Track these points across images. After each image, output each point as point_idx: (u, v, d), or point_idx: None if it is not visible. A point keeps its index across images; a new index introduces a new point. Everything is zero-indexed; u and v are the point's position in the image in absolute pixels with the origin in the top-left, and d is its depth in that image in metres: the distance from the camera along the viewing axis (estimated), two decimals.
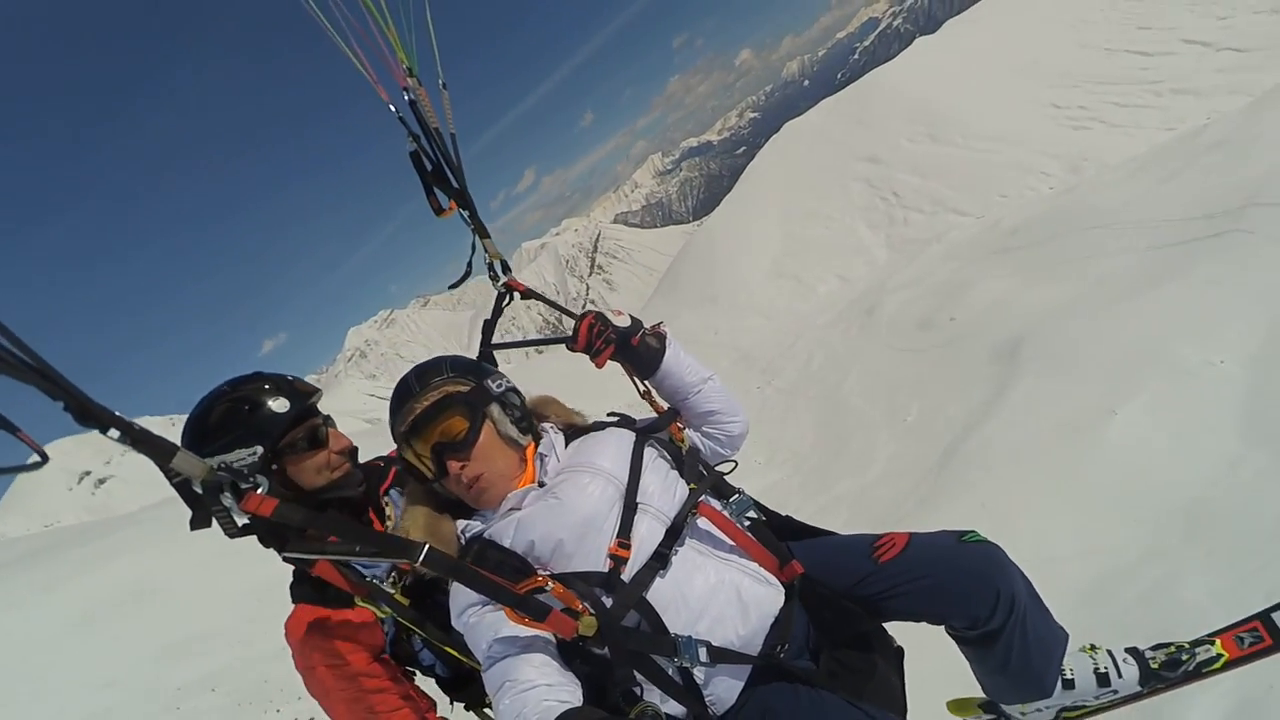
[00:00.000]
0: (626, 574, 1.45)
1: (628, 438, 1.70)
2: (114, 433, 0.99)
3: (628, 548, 1.46)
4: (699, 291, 18.94)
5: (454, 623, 1.50)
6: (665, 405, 1.91)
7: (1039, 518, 4.11)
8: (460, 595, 1.49)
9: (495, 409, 1.64)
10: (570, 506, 1.50)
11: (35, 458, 0.87)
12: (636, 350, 1.82)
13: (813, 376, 10.26)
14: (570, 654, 1.43)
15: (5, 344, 0.83)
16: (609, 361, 1.88)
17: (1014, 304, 7.55)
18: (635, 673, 1.41)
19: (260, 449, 1.64)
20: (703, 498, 1.62)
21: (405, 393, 1.61)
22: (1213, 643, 1.82)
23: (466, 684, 1.87)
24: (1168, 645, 1.82)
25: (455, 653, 1.68)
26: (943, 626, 1.66)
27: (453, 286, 2.52)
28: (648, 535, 1.50)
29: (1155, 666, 1.78)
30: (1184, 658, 1.78)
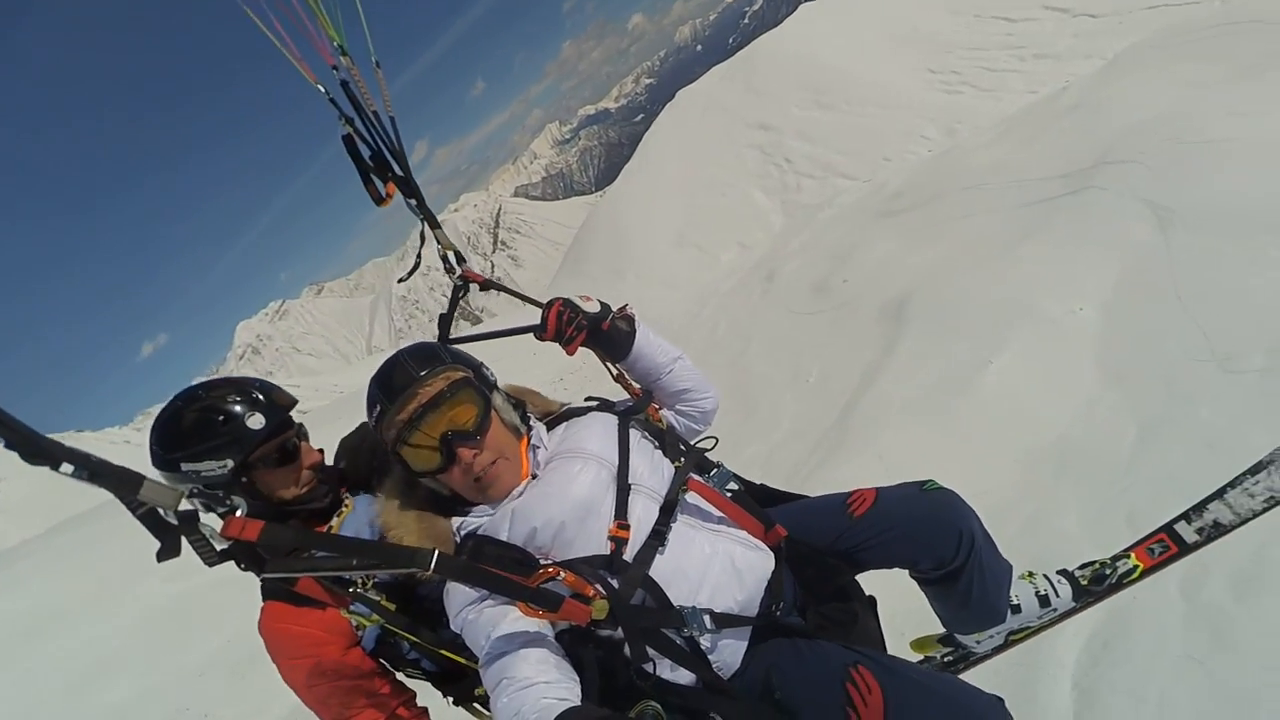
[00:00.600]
0: (628, 554, 1.48)
1: (612, 421, 1.72)
2: (67, 468, 0.91)
3: (627, 528, 1.50)
4: (605, 265, 18.87)
5: (451, 622, 1.49)
6: (639, 388, 1.93)
7: (930, 465, 4.37)
8: (456, 594, 1.48)
9: (498, 397, 1.64)
10: (566, 492, 1.52)
11: None
12: (608, 335, 1.84)
13: (719, 344, 10.47)
14: (579, 640, 1.46)
15: None
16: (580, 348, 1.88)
17: (899, 264, 7.95)
18: (648, 648, 1.44)
19: (230, 462, 1.60)
20: (689, 473, 1.68)
21: (405, 378, 1.53)
22: (1128, 556, 2.06)
23: (456, 679, 1.85)
24: (1092, 563, 2.06)
25: (446, 652, 1.68)
26: (909, 571, 1.79)
27: (402, 280, 2.53)
28: (644, 514, 1.54)
29: (1085, 583, 1.99)
30: (1107, 572, 2.01)
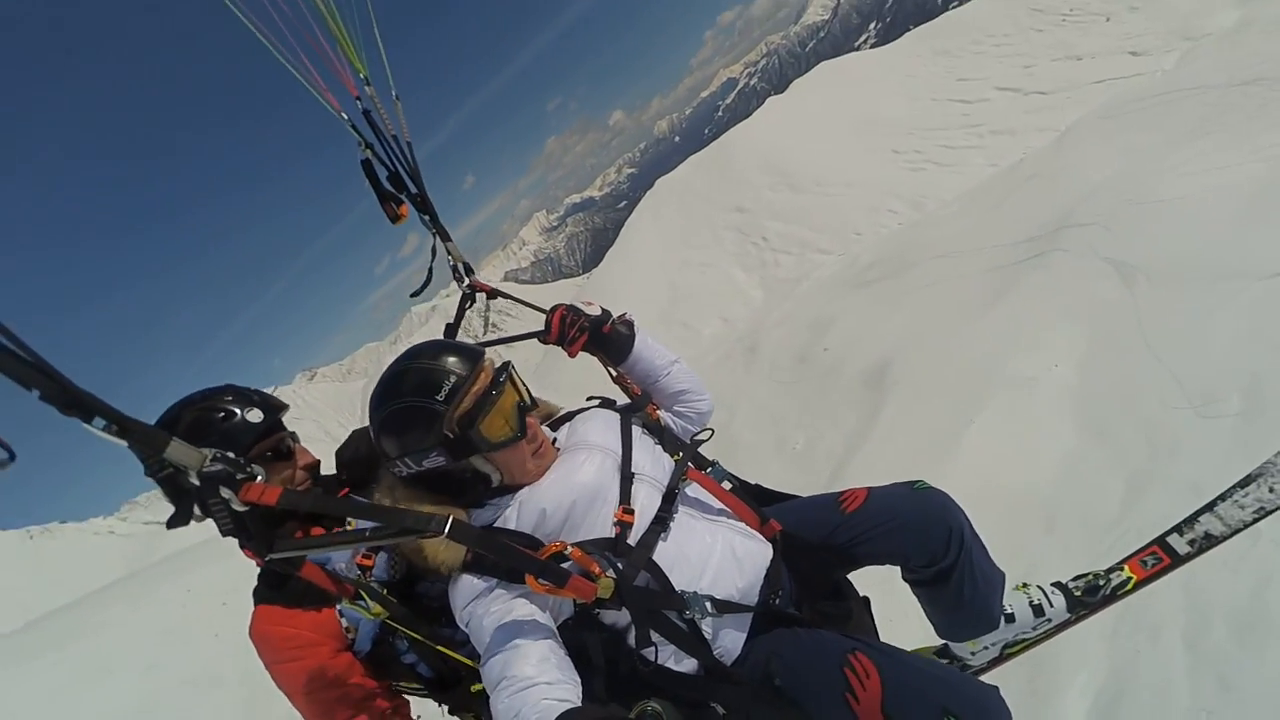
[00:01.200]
0: (633, 538, 1.51)
1: (614, 416, 1.77)
2: (99, 422, 0.91)
3: (632, 513, 1.53)
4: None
5: (456, 616, 1.49)
6: (638, 389, 1.99)
7: None
8: (463, 587, 1.48)
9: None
10: (574, 479, 1.55)
11: (4, 456, 0.78)
12: (609, 338, 1.91)
13: None
14: (584, 625, 1.48)
15: None
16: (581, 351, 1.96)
17: (877, 332, 8.07)
18: (651, 632, 1.46)
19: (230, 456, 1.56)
20: (689, 465, 1.73)
21: (471, 354, 1.54)
22: (1122, 568, 2.06)
23: (451, 685, 1.82)
24: (1086, 575, 2.05)
25: (445, 649, 1.69)
26: (901, 572, 1.80)
27: (414, 295, 2.53)
28: (647, 501, 1.57)
29: (1079, 594, 1.99)
30: (1101, 583, 2.01)
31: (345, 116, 2.10)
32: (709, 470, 1.81)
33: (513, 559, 1.32)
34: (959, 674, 1.49)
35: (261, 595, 1.79)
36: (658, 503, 1.59)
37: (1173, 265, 5.27)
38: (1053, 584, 2.03)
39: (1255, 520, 2.02)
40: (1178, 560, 2.04)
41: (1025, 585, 2.02)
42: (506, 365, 1.59)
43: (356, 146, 2.14)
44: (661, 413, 1.94)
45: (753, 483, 2.00)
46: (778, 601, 1.61)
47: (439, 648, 1.70)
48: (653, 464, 1.67)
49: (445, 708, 1.89)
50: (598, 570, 1.40)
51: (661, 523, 1.56)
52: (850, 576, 1.86)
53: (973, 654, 1.94)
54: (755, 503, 1.77)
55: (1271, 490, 2.04)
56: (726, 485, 1.81)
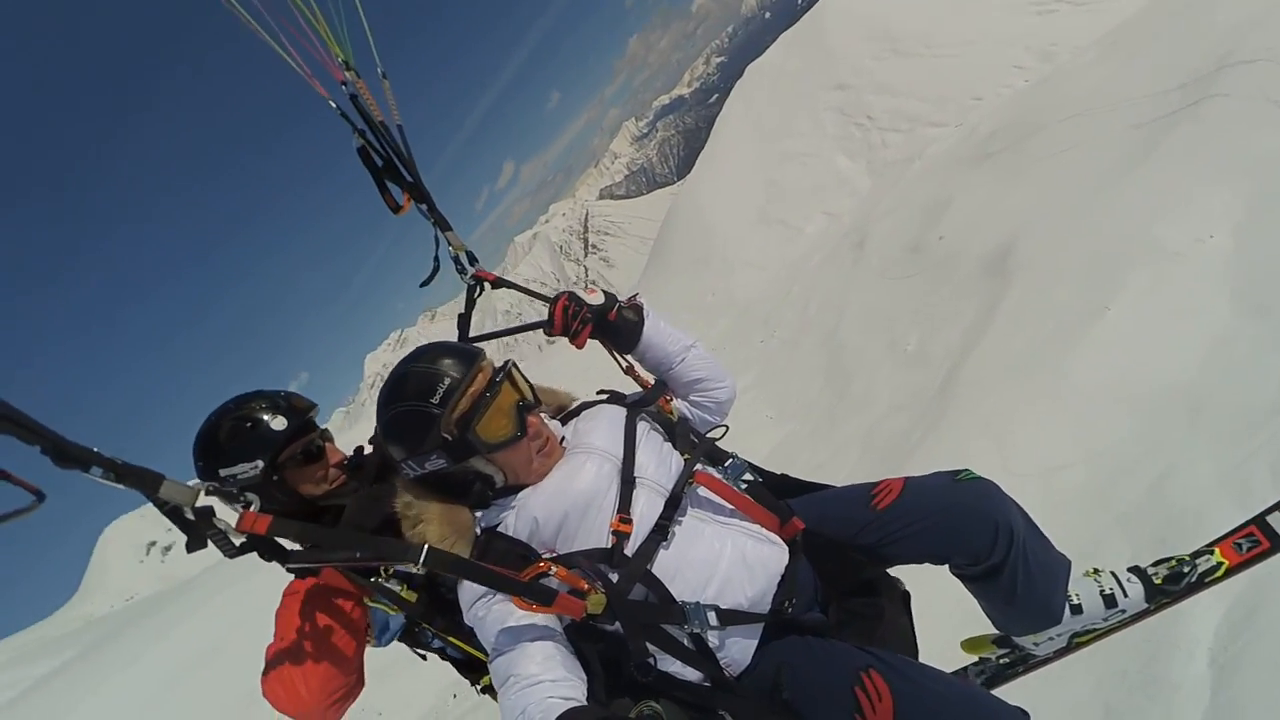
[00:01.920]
0: (629, 548, 1.46)
1: (619, 414, 1.70)
2: (96, 471, 0.99)
3: (629, 522, 1.47)
4: (688, 255, 18.76)
5: (464, 617, 1.49)
6: (650, 379, 1.90)
7: (1040, 429, 4.08)
8: (467, 589, 1.48)
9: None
10: (568, 486, 1.51)
11: (33, 499, 0.86)
12: (614, 325, 1.81)
13: (811, 323, 10.18)
14: (583, 634, 1.44)
15: None
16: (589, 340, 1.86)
17: (998, 212, 7.40)
18: (649, 644, 1.42)
19: (261, 463, 1.72)
20: (699, 466, 1.63)
21: (463, 357, 1.52)
22: (1212, 552, 1.84)
23: (481, 667, 1.85)
24: (1169, 560, 1.85)
25: (458, 642, 1.73)
26: (949, 567, 1.67)
27: (423, 284, 2.51)
28: (647, 509, 1.50)
29: (1159, 582, 1.80)
30: (1186, 570, 1.81)
31: (334, 104, 2.01)
32: (726, 465, 1.73)
33: (493, 583, 1.31)
34: (984, 698, 1.39)
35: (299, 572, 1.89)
36: (659, 509, 1.51)
37: None
38: (1129, 569, 1.84)
39: None
40: (1278, 544, 1.81)
41: (1097, 572, 1.84)
42: (506, 365, 1.55)
43: (351, 135, 2.06)
44: (678, 403, 1.86)
45: (778, 473, 1.89)
46: (791, 609, 1.51)
47: (452, 639, 1.75)
48: (658, 466, 1.59)
49: (477, 688, 1.96)
50: (586, 586, 1.36)
51: (662, 530, 1.49)
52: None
53: (1036, 645, 1.81)
54: (777, 498, 1.68)
55: None
56: (748, 478, 1.73)
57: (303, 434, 1.82)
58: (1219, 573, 1.81)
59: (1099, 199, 5.82)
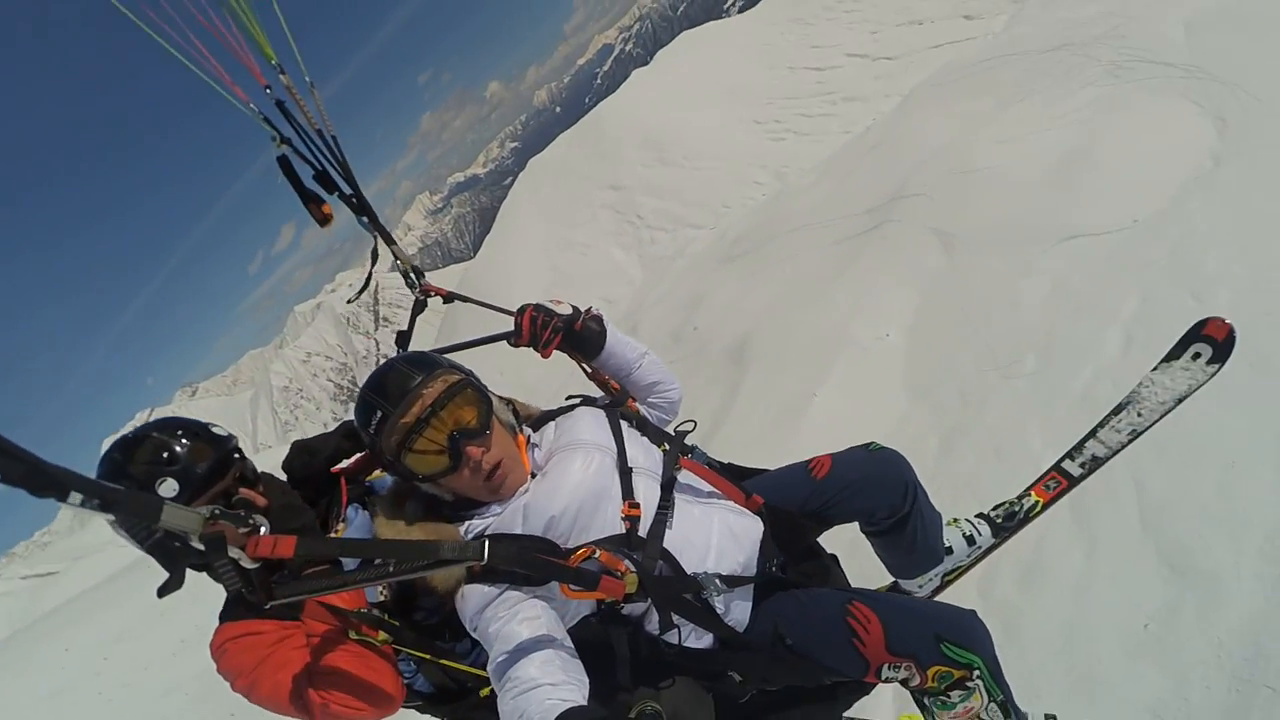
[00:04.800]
0: (643, 530, 1.56)
1: (600, 413, 1.79)
2: (76, 498, 0.80)
3: (638, 507, 1.57)
4: (477, 331, 18.49)
5: (467, 625, 1.51)
6: (616, 384, 2.00)
7: None
8: (473, 596, 1.49)
9: (493, 398, 1.65)
10: (578, 481, 1.56)
11: None
12: (581, 335, 1.90)
13: None
14: (613, 620, 1.55)
15: None
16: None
17: (740, 307, 8.28)
18: (674, 615, 1.54)
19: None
20: (679, 453, 1.79)
21: (404, 382, 1.52)
22: (1030, 494, 2.33)
23: (452, 698, 1.81)
24: (1002, 504, 2.31)
25: (451, 664, 1.68)
26: (860, 526, 1.96)
27: (350, 301, 2.66)
28: (648, 493, 1.62)
29: (1000, 520, 2.24)
30: (1016, 509, 2.27)
31: (254, 107, 1.90)
32: (691, 456, 1.87)
33: (549, 572, 1.38)
34: (943, 605, 1.66)
35: (226, 614, 1.69)
36: (658, 493, 1.64)
37: (987, 232, 5.68)
38: (976, 515, 2.27)
39: (1130, 440, 2.27)
40: (1073, 481, 2.31)
41: (955, 520, 2.22)
42: (452, 389, 1.53)
43: (271, 143, 1.96)
44: (639, 406, 1.98)
45: (726, 462, 2.09)
46: (774, 569, 1.71)
47: (444, 661, 1.69)
48: (645, 456, 1.71)
49: None
50: (623, 568, 1.47)
51: (664, 512, 1.61)
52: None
53: (920, 587, 2.14)
54: (736, 480, 1.85)
55: (1139, 414, 2.28)
56: (709, 464, 1.91)
57: (230, 464, 1.68)
58: (1038, 508, 2.29)
59: (813, 300, 6.77)
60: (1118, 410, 2.35)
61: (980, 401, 4.17)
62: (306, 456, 1.94)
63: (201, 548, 1.02)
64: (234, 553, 1.06)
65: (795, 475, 1.92)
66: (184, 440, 1.64)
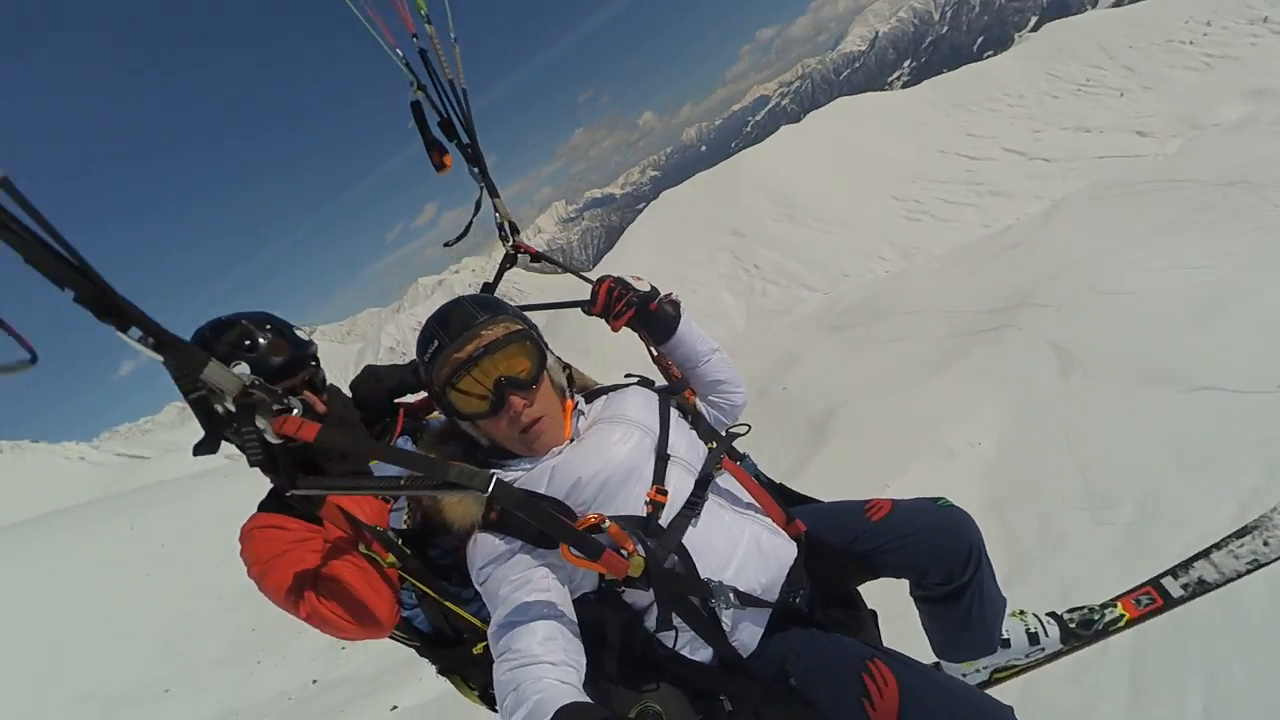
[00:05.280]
0: (664, 519, 1.49)
1: (653, 395, 1.74)
2: (135, 332, 0.85)
3: (665, 494, 1.50)
4: (573, 344, 19.06)
5: (473, 574, 1.48)
6: (678, 372, 1.92)
7: None
8: (484, 546, 1.47)
9: (550, 357, 1.64)
10: (611, 452, 1.52)
11: (25, 356, 0.74)
12: (654, 315, 1.85)
13: None
14: (610, 601, 1.47)
15: (11, 210, 0.70)
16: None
17: (834, 378, 8.17)
18: (673, 615, 1.44)
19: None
20: (723, 454, 1.69)
21: (466, 319, 1.52)
22: (1116, 605, 2.09)
23: (448, 644, 1.79)
24: (1081, 608, 2.08)
25: (453, 606, 1.67)
26: (910, 588, 1.78)
27: (449, 244, 2.45)
28: (680, 484, 1.54)
29: (1073, 626, 2.01)
30: (1095, 618, 2.04)
31: (400, 53, 1.98)
32: (743, 463, 1.79)
33: (552, 526, 1.30)
34: (976, 690, 1.49)
35: (263, 505, 1.74)
36: (690, 487, 1.57)
37: (1109, 360, 5.36)
38: (1048, 614, 2.06)
39: (1249, 571, 2.05)
40: (1170, 603, 2.08)
41: (1022, 612, 2.03)
42: (511, 335, 1.53)
43: (408, 87, 2.02)
44: (697, 401, 1.90)
45: (778, 482, 1.99)
46: (798, 601, 1.58)
47: (447, 603, 1.68)
48: (688, 448, 1.65)
49: (435, 667, 1.87)
50: (631, 548, 1.38)
51: (692, 507, 1.53)
52: (861, 590, 1.85)
53: (964, 675, 1.93)
54: (782, 501, 1.76)
55: (1266, 544, 2.06)
56: (756, 478, 1.80)
57: (289, 376, 1.72)
58: (1121, 623, 2.05)
59: (910, 389, 6.60)
60: (1242, 533, 2.10)
61: (1060, 537, 3.94)
62: (373, 382, 2.02)
63: (233, 410, 1.03)
64: (261, 423, 1.08)
65: (848, 511, 1.80)
66: (268, 333, 1.71)
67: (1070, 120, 16.79)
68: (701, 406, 1.90)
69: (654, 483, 1.53)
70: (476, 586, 1.49)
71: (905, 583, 1.80)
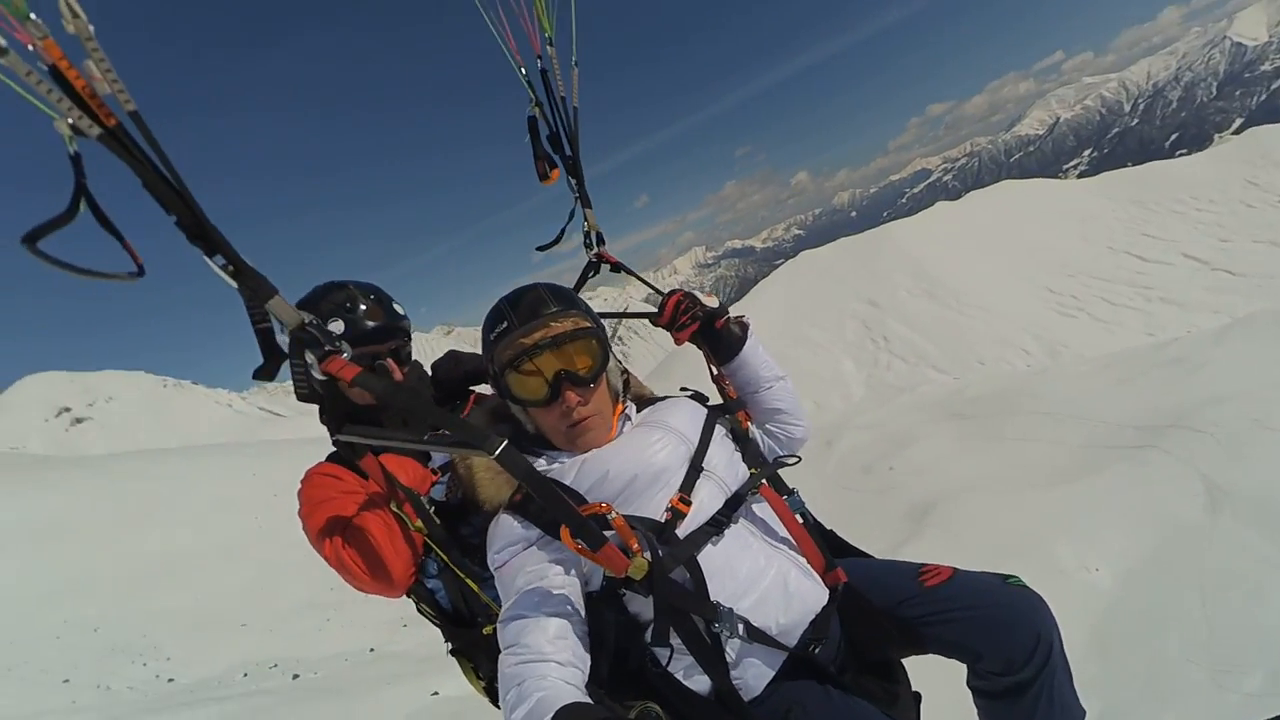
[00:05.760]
0: (682, 530, 1.44)
1: (700, 409, 1.73)
2: (219, 259, 0.93)
3: (688, 504, 1.46)
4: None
5: (489, 555, 1.49)
6: (735, 394, 1.88)
7: None
8: (503, 528, 1.48)
9: (611, 360, 1.64)
10: (642, 453, 1.51)
11: (133, 268, 0.81)
12: (719, 333, 1.84)
13: None
14: (609, 602, 1.41)
15: (135, 138, 0.79)
16: (688, 343, 1.92)
17: (944, 468, 7.71)
18: (671, 630, 1.38)
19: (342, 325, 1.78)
20: (764, 481, 1.61)
21: (539, 305, 1.53)
22: None
23: (464, 624, 1.83)
24: None
25: (471, 583, 1.73)
26: (966, 675, 1.62)
27: (541, 249, 2.51)
28: (708, 499, 1.50)
29: None
30: None
31: (524, 71, 2.12)
32: (786, 498, 1.68)
33: (555, 505, 1.27)
34: None
35: (330, 456, 1.85)
36: (719, 504, 1.50)
37: (1267, 507, 4.71)
38: None
39: None
40: None
41: None
42: (578, 331, 1.54)
43: (528, 104, 2.14)
44: (752, 426, 1.85)
45: (829, 528, 1.89)
46: (818, 651, 1.47)
47: (468, 581, 1.73)
48: (726, 466, 1.59)
49: (448, 646, 1.92)
50: (636, 547, 1.32)
51: (717, 526, 1.47)
52: (907, 664, 1.71)
53: None
54: (826, 547, 1.64)
55: None
56: (800, 520, 1.68)
57: (377, 342, 1.82)
58: None
59: (1026, 495, 6.11)
60: None
61: (1169, 694, 3.49)
62: (451, 364, 2.11)
63: (288, 340, 1.10)
64: (310, 358, 1.14)
65: (900, 571, 1.65)
66: (369, 301, 1.84)
67: (1266, 233, 14.91)
68: (757, 434, 1.85)
69: (680, 491, 1.49)
70: (491, 569, 1.49)
71: (964, 669, 1.61)
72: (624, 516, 1.39)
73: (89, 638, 9.36)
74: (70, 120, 0.72)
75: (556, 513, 1.28)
